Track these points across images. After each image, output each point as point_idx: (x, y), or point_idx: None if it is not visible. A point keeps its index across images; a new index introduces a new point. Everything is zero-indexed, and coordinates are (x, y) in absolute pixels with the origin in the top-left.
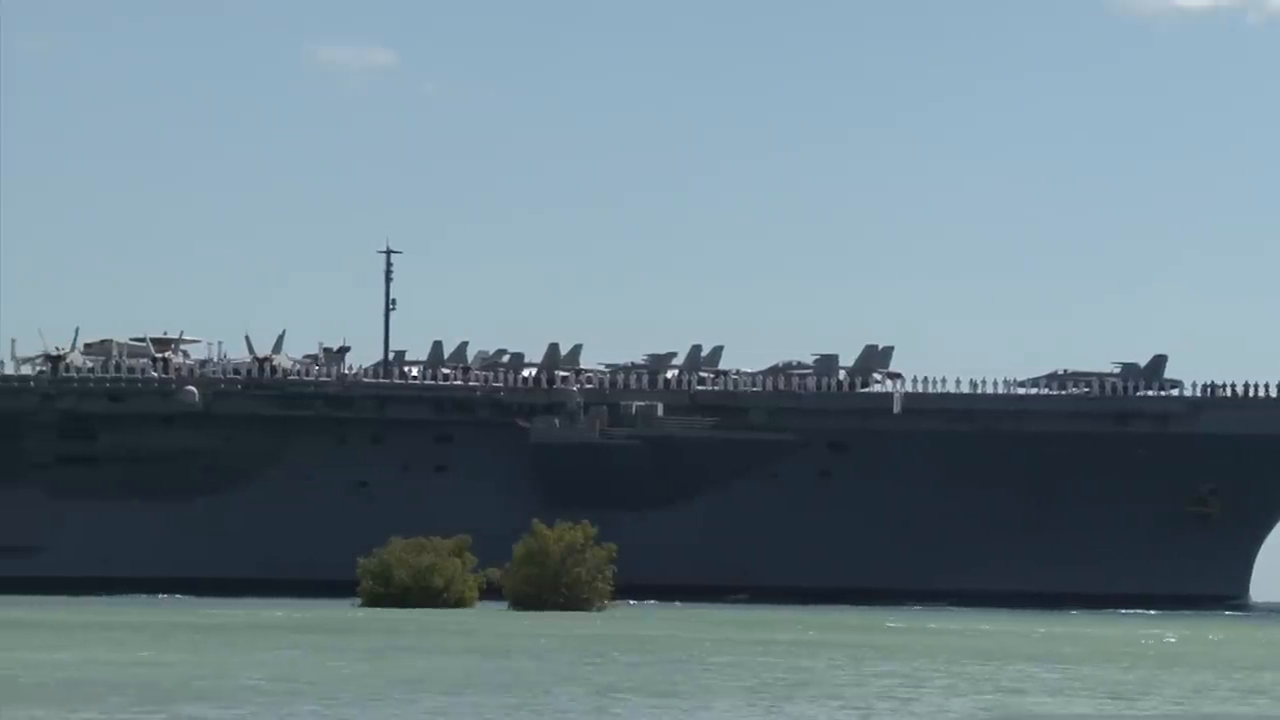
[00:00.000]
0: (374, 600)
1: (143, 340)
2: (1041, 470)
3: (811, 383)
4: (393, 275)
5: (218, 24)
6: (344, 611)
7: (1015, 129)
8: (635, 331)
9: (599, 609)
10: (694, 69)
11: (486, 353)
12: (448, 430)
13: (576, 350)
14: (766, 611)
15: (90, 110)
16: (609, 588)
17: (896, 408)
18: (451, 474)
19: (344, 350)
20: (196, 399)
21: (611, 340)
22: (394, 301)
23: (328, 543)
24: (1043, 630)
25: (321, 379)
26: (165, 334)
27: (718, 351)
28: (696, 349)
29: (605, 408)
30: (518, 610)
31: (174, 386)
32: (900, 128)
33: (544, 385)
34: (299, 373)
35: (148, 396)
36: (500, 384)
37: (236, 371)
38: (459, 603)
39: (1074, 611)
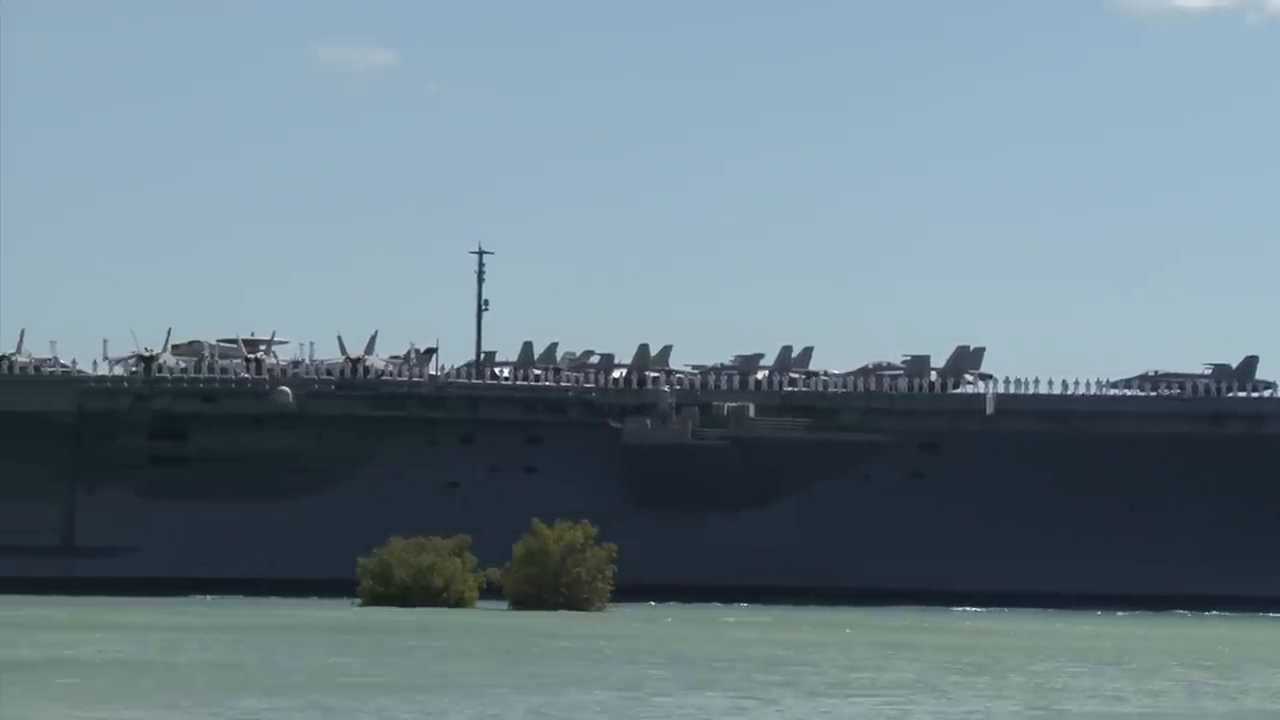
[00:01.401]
0: (374, 600)
1: (232, 341)
2: (1133, 472)
3: (903, 384)
4: (484, 276)
5: (218, 24)
6: (391, 613)
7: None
8: (723, 333)
9: (599, 609)
10: (700, 68)
11: (573, 354)
12: (538, 431)
13: (666, 351)
14: (882, 614)
15: (89, 111)
16: (609, 588)
17: (989, 408)
18: (541, 475)
19: (431, 351)
20: (290, 399)
21: (700, 341)
22: (486, 302)
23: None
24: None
25: (414, 379)
26: (253, 334)
27: (808, 352)
28: (787, 350)
29: (697, 408)
30: (518, 610)
31: (267, 387)
32: (983, 128)
33: (634, 386)
34: (391, 373)
35: (241, 397)
36: (591, 385)
37: (329, 372)
38: (459, 603)
39: (1210, 614)
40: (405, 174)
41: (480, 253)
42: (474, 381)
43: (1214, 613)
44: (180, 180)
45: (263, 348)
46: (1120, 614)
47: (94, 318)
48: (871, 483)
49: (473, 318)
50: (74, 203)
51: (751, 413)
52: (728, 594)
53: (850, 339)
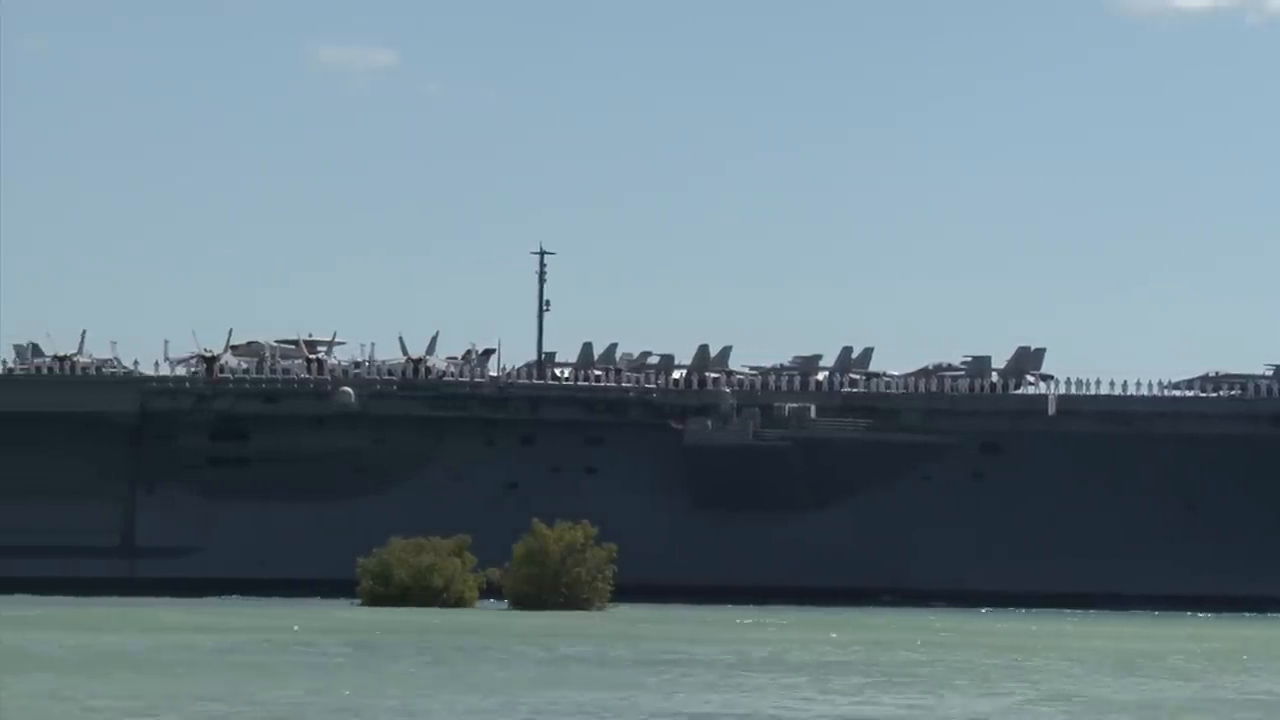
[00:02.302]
0: (374, 600)
1: (291, 342)
2: (1194, 473)
3: (964, 384)
4: (546, 276)
5: (219, 24)
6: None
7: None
8: (780, 334)
9: (599, 609)
10: (703, 67)
11: (631, 355)
12: (598, 432)
13: (726, 352)
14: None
15: (89, 111)
16: (609, 588)
17: (1051, 409)
18: (602, 475)
19: (490, 352)
20: (353, 400)
21: (757, 342)
22: (548, 302)
23: (480, 543)
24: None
25: (477, 379)
26: (311, 335)
27: (868, 353)
28: (847, 350)
29: (758, 409)
30: (518, 610)
31: (329, 387)
32: (1029, 126)
33: (695, 387)
34: (452, 374)
35: (303, 398)
36: (652, 385)
37: (390, 373)
38: (459, 602)
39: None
40: (465, 174)
41: (541, 253)
42: (535, 382)
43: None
44: (200, 181)
45: (322, 349)
46: (1199, 616)
47: (154, 318)
48: (932, 484)
49: (531, 318)
50: (121, 204)
51: (813, 413)
52: (787, 595)
53: (909, 340)
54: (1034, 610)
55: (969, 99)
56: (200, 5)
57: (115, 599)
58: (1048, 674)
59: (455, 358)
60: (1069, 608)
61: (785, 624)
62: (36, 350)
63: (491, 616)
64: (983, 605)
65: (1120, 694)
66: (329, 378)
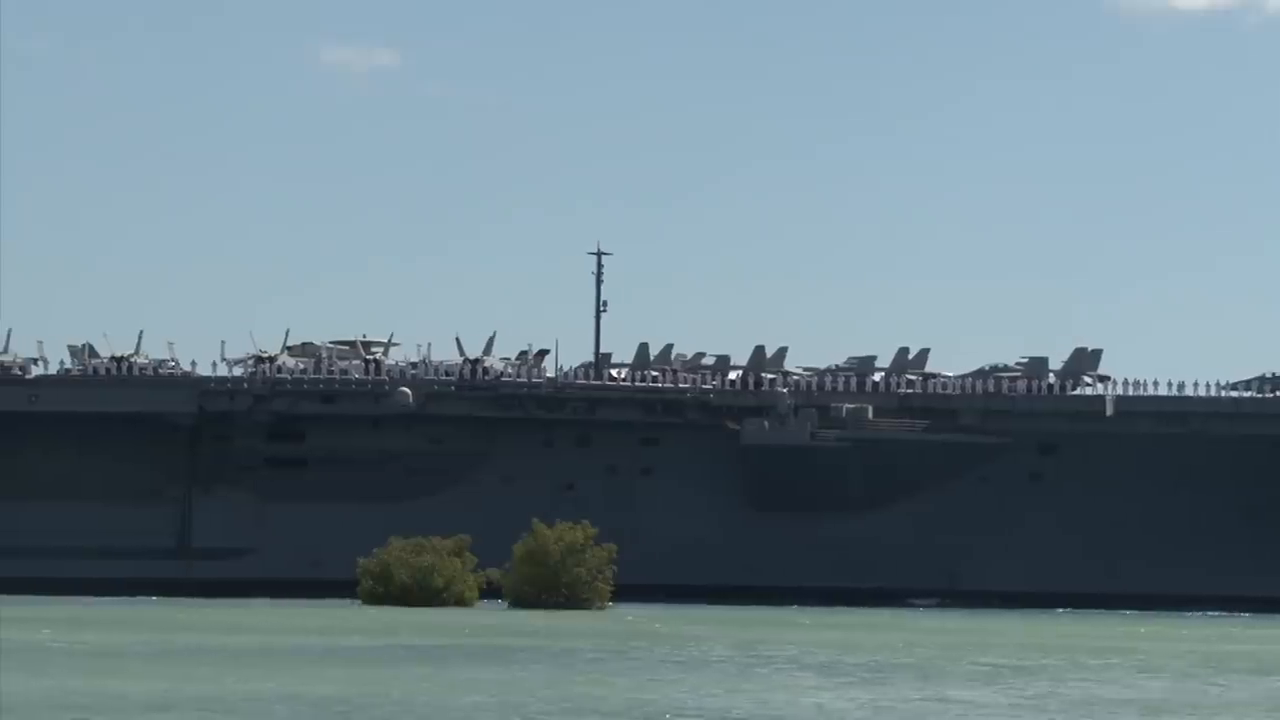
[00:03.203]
0: (374, 600)
1: (345, 343)
2: (1251, 474)
3: (1021, 385)
4: (603, 277)
5: (219, 25)
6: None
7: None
8: (834, 335)
9: (599, 609)
10: (709, 67)
11: (685, 356)
12: (654, 433)
13: (782, 353)
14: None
15: (88, 112)
16: (609, 587)
17: (1109, 410)
18: (658, 476)
19: (544, 353)
20: (410, 401)
21: (811, 344)
22: (605, 303)
23: None
24: None
25: (534, 380)
26: (364, 337)
27: (924, 354)
28: (903, 351)
29: (814, 410)
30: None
31: (387, 388)
32: (1080, 130)
33: (751, 388)
34: (510, 375)
35: (361, 398)
36: (709, 386)
37: (447, 373)
38: (459, 602)
39: None
40: (526, 175)
41: (599, 254)
42: (592, 383)
43: None
44: (245, 180)
45: (377, 349)
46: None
47: (211, 319)
48: (989, 485)
49: (585, 319)
50: (166, 205)
51: (870, 414)
52: (843, 596)
53: (964, 341)
54: (1095, 612)
55: (1001, 98)
56: (201, 5)
57: (179, 600)
58: (1191, 675)
59: (508, 358)
60: (1126, 609)
61: (856, 625)
62: (92, 351)
63: (543, 616)
64: (1037, 607)
65: None
66: (386, 378)
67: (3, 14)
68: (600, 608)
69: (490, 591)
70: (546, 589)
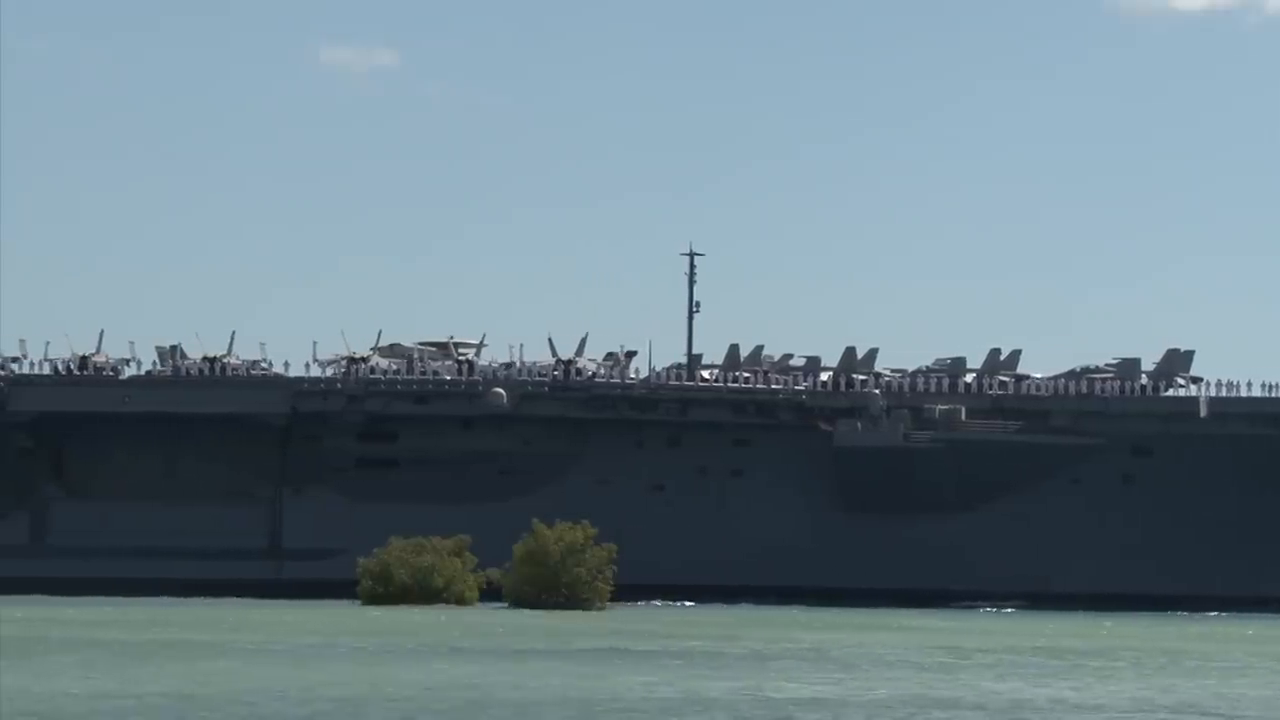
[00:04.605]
0: (374, 600)
1: (436, 344)
2: None
3: (1113, 386)
4: (696, 278)
5: (219, 25)
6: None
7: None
8: (922, 336)
9: (599, 609)
10: (714, 67)
11: (772, 357)
12: (745, 434)
13: (872, 354)
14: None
15: (89, 112)
16: (609, 587)
17: (1203, 411)
18: (748, 478)
19: (631, 354)
20: (505, 401)
21: (898, 345)
22: (698, 304)
23: (628, 546)
24: None
25: (628, 380)
26: (452, 338)
27: (1015, 355)
28: (995, 352)
29: (907, 411)
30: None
31: (481, 389)
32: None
33: (842, 389)
34: (602, 375)
35: (454, 399)
36: (801, 387)
37: (540, 374)
38: (459, 602)
39: None
40: (614, 174)
41: (691, 254)
42: (685, 384)
43: None
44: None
45: (467, 351)
46: None
47: (301, 319)
48: (1081, 486)
49: (674, 319)
50: (251, 206)
51: (963, 415)
52: (933, 599)
53: (1053, 342)
54: (1191, 614)
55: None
56: (201, 6)
57: (268, 601)
58: None
59: (595, 359)
60: (1219, 611)
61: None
62: (180, 352)
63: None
64: (1129, 609)
65: None
66: (480, 379)
67: (3, 14)
68: (600, 608)
69: (489, 592)
70: (546, 589)
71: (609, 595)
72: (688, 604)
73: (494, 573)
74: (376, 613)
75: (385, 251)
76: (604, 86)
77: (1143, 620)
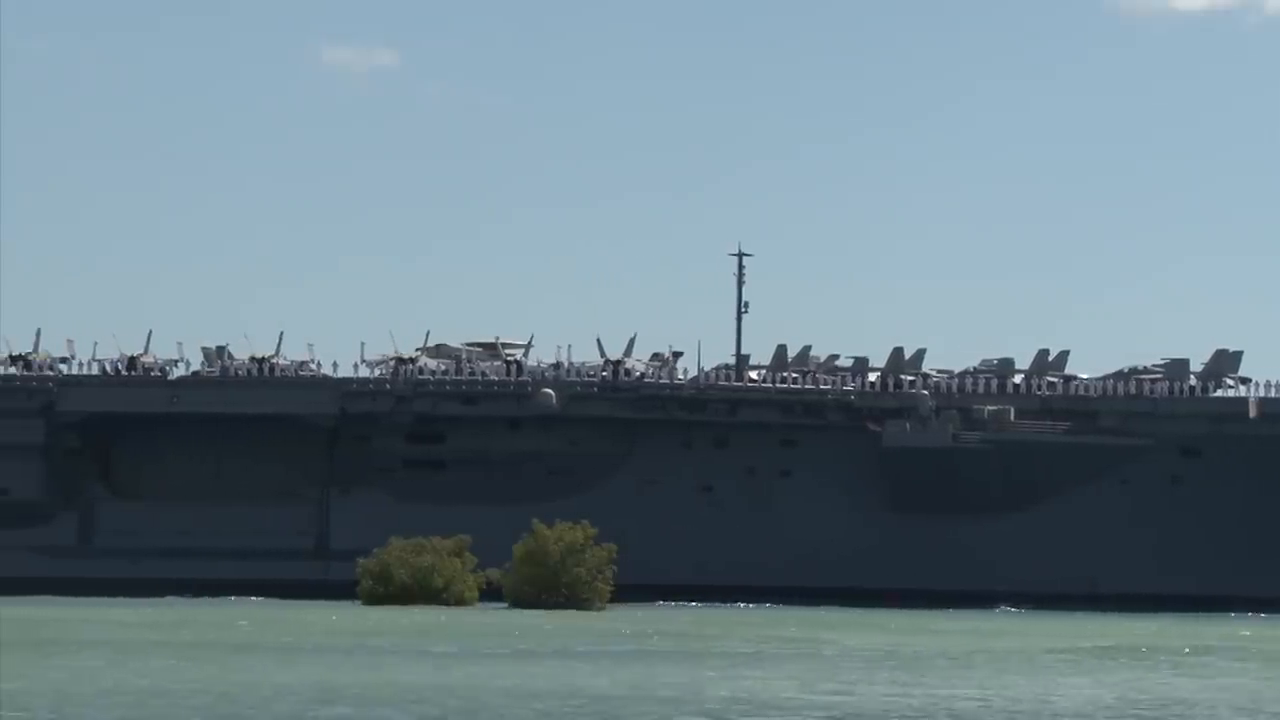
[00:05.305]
0: (374, 600)
1: (483, 345)
2: None
3: (1162, 387)
4: (744, 279)
5: (220, 25)
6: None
7: None
8: (969, 337)
9: (599, 609)
10: (717, 69)
11: (819, 358)
12: (793, 434)
13: (920, 354)
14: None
15: (90, 112)
16: (609, 587)
17: (1253, 412)
18: (796, 478)
19: (678, 355)
20: (554, 402)
21: (946, 345)
22: (746, 304)
23: (674, 548)
24: None
25: (676, 381)
26: (498, 339)
27: (1063, 356)
28: (1043, 353)
29: (956, 411)
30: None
31: (529, 389)
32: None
33: (891, 389)
34: (650, 376)
35: (503, 400)
36: (849, 388)
37: (588, 375)
38: (459, 602)
39: None
40: (667, 176)
41: (740, 255)
42: (734, 384)
43: None
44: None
45: (514, 351)
46: None
47: (349, 320)
48: (1130, 487)
49: (722, 320)
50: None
51: (1012, 416)
52: (982, 599)
53: (1100, 343)
54: (1238, 615)
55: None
56: (201, 6)
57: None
58: None
59: (642, 360)
60: (1268, 612)
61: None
62: (227, 353)
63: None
64: (1177, 610)
65: None
66: (529, 380)
67: (3, 14)
68: (600, 608)
69: (489, 593)
70: (546, 589)
71: (609, 595)
72: (692, 604)
73: (494, 573)
74: (377, 614)
75: (433, 252)
76: (604, 87)
77: (1201, 620)
